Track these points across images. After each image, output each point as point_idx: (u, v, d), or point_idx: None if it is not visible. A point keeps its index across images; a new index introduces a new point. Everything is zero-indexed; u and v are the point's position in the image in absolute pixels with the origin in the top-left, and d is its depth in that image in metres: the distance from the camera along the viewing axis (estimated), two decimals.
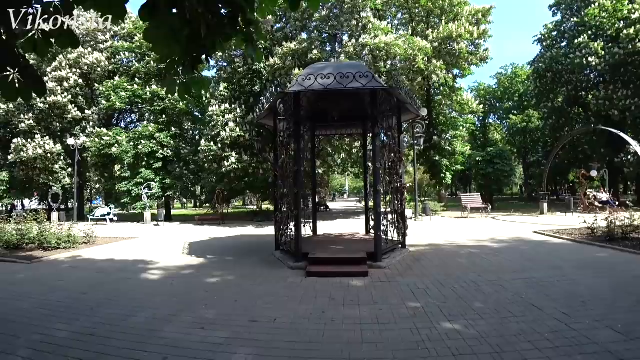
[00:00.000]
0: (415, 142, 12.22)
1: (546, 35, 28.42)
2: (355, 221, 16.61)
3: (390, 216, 7.19)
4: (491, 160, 21.21)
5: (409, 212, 14.14)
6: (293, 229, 6.55)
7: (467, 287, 4.91)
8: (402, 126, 7.80)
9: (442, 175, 20.64)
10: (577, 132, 17.69)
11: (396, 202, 7.11)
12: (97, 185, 31.04)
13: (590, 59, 19.43)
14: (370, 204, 9.04)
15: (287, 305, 4.38)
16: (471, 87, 43.07)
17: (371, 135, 6.15)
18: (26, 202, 34.02)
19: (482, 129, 42.43)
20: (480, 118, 40.48)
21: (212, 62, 23.51)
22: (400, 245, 7.40)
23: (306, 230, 8.77)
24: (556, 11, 27.23)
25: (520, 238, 9.41)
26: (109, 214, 20.81)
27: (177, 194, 21.82)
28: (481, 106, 18.38)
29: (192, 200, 36.35)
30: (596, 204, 17.69)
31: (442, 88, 17.12)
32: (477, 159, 21.75)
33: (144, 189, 19.35)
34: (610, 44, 19.69)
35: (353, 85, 5.77)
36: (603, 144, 21.10)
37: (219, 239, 11.38)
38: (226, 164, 15.72)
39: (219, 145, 16.39)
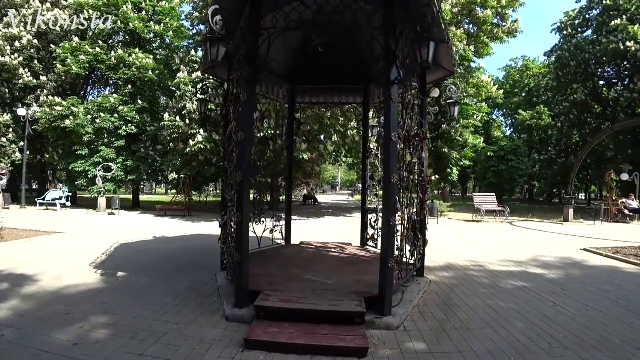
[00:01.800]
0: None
1: (567, 24, 25.71)
2: (346, 221, 13.90)
3: (401, 225, 4.44)
4: (504, 157, 18.59)
5: None
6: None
7: None
8: (426, 88, 4.99)
9: (449, 170, 17.99)
10: (619, 126, 15.07)
11: (415, 203, 4.34)
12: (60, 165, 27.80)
13: (628, 44, 16.75)
14: (372, 202, 6.28)
15: None
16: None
17: (384, 82, 3.30)
18: None
19: (486, 124, 39.74)
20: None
21: (187, 24, 20.39)
22: (415, 273, 4.67)
23: (277, 234, 6.02)
24: None
25: (573, 260, 6.78)
26: (60, 198, 17.78)
27: (144, 177, 18.79)
28: (501, 91, 15.60)
29: (162, 186, 33.23)
30: (626, 212, 15.32)
31: (460, 64, 14.23)
32: (489, 154, 19.09)
33: (100, 170, 16.33)
34: None
35: None
36: (631, 143, 18.65)
37: (164, 239, 8.58)
38: (191, 143, 12.76)
39: (187, 121, 13.44)
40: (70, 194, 18.73)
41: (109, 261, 6.15)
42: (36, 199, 18.27)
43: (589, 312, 3.92)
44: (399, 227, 3.78)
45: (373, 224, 5.82)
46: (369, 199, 6.20)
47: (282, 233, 6.14)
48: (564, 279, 5.35)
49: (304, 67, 6.35)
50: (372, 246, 5.87)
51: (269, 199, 6.06)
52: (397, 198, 3.49)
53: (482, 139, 18.39)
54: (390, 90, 3.21)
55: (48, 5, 20.41)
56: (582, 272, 5.84)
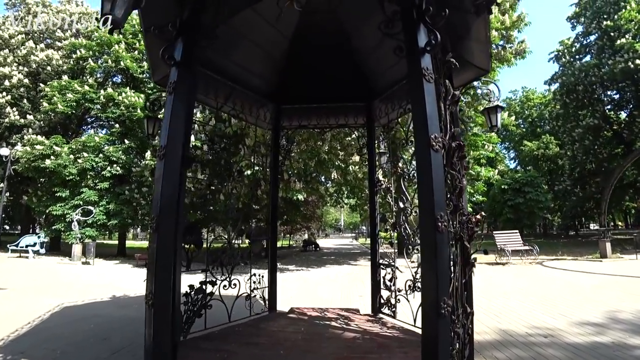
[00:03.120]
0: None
1: (564, 52, 25.46)
2: (350, 271, 12.07)
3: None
4: (520, 189, 17.05)
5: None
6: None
7: None
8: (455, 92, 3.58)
9: None
10: None
11: (457, 256, 2.75)
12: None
13: (638, 61, 15.92)
14: (385, 249, 4.66)
15: None
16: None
17: (408, 53, 1.85)
18: None
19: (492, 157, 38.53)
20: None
21: None
22: None
23: (257, 297, 4.35)
24: (575, 23, 24.45)
25: None
26: (34, 244, 16.11)
27: (127, 221, 17.19)
28: (512, 117, 14.47)
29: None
30: None
31: (466, 92, 13.24)
32: (503, 186, 17.56)
33: (77, 214, 14.83)
34: None
35: None
36: None
37: (122, 301, 6.84)
38: None
39: None
40: (47, 240, 17.07)
41: (25, 337, 4.47)
42: (8, 245, 16.59)
43: None
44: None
45: (388, 283, 4.15)
46: (381, 247, 4.58)
47: (263, 297, 4.46)
48: None
49: (292, 82, 5.09)
50: (387, 314, 4.17)
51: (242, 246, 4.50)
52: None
53: (496, 170, 16.97)
54: (421, 63, 1.80)
55: (42, 46, 20.26)
56: None
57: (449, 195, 2.53)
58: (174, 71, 2.08)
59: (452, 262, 2.56)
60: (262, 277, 4.55)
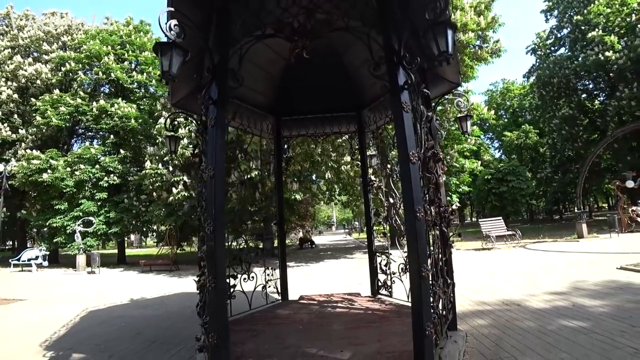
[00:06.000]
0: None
1: (540, 44, 26.63)
2: (348, 264, 12.77)
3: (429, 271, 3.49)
4: (503, 178, 18.05)
5: None
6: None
7: None
8: (431, 103, 4.29)
9: (449, 198, 17.27)
10: (621, 131, 14.81)
11: (437, 240, 3.46)
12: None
13: (607, 53, 17.01)
14: (379, 241, 5.38)
15: None
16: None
17: (391, 90, 2.57)
18: None
19: (477, 148, 39.74)
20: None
21: None
22: (447, 327, 3.67)
23: (271, 288, 5.00)
24: (549, 16, 25.57)
25: (617, 282, 5.86)
26: (37, 257, 16.36)
27: (129, 229, 17.59)
28: (492, 112, 15.37)
29: (151, 237, 31.82)
30: (638, 219, 14.62)
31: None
32: (487, 177, 18.54)
33: (79, 225, 15.17)
34: (625, 38, 17.49)
35: None
36: (627, 150, 18.38)
37: (141, 303, 7.41)
38: (175, 191, 11.84)
39: (170, 168, 12.64)
40: (48, 253, 17.32)
41: (66, 337, 5.03)
42: (10, 260, 16.77)
43: None
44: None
45: (384, 267, 4.87)
46: (375, 238, 5.30)
47: (277, 287, 5.12)
48: (622, 309, 4.40)
49: (289, 97, 5.73)
50: (385, 295, 4.88)
51: (260, 246, 5.16)
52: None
53: (479, 162, 17.92)
54: (401, 98, 2.48)
55: (30, 60, 20.31)
56: (636, 297, 4.92)
57: (427, 192, 3.24)
58: (213, 108, 2.70)
59: (433, 244, 3.27)
60: (275, 270, 5.20)
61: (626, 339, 3.45)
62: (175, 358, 3.92)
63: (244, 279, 4.48)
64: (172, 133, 4.42)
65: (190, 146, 10.68)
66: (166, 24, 2.43)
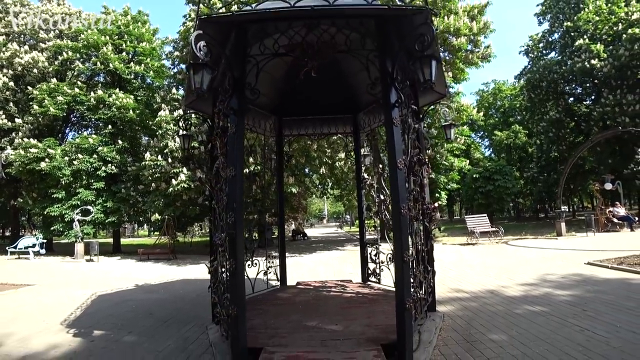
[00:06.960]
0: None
1: (533, 47, 27.34)
2: (340, 255, 13.36)
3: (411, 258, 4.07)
4: (490, 177, 18.81)
5: None
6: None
7: None
8: (420, 112, 4.84)
9: (437, 195, 17.98)
10: (601, 136, 15.64)
11: (420, 233, 4.03)
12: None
13: (593, 61, 17.77)
14: (370, 234, 5.95)
15: None
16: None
17: (384, 106, 3.10)
18: None
19: (467, 147, 40.65)
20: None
21: (168, 64, 20.44)
22: (426, 308, 4.26)
23: (272, 274, 5.53)
24: (542, 20, 26.26)
25: (582, 275, 6.55)
26: (34, 245, 16.60)
27: (125, 219, 17.91)
28: (481, 113, 16.02)
29: (145, 227, 32.01)
30: (614, 220, 15.50)
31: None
32: (475, 175, 19.29)
33: (77, 214, 15.46)
34: (611, 47, 18.26)
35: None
36: (609, 154, 19.27)
37: (146, 288, 7.88)
38: (174, 182, 12.23)
39: (169, 160, 12.99)
40: (45, 241, 17.56)
41: (83, 317, 5.49)
42: (7, 247, 16.98)
43: (620, 333, 3.61)
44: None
45: (374, 257, 5.44)
46: (367, 231, 5.86)
47: (276, 274, 5.66)
48: (580, 297, 5.05)
49: (291, 98, 6.20)
50: (374, 282, 5.46)
51: (256, 236, 5.67)
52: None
53: (468, 161, 18.64)
54: (392, 114, 2.99)
55: (26, 47, 20.23)
56: (594, 287, 5.59)
57: (412, 192, 3.79)
58: (233, 117, 3.18)
59: (416, 235, 3.83)
60: (275, 256, 5.73)
61: (576, 320, 4.07)
62: (191, 330, 4.44)
63: (248, 265, 5.00)
64: (185, 132, 4.87)
65: (195, 143, 11.06)
66: (197, 45, 2.89)
